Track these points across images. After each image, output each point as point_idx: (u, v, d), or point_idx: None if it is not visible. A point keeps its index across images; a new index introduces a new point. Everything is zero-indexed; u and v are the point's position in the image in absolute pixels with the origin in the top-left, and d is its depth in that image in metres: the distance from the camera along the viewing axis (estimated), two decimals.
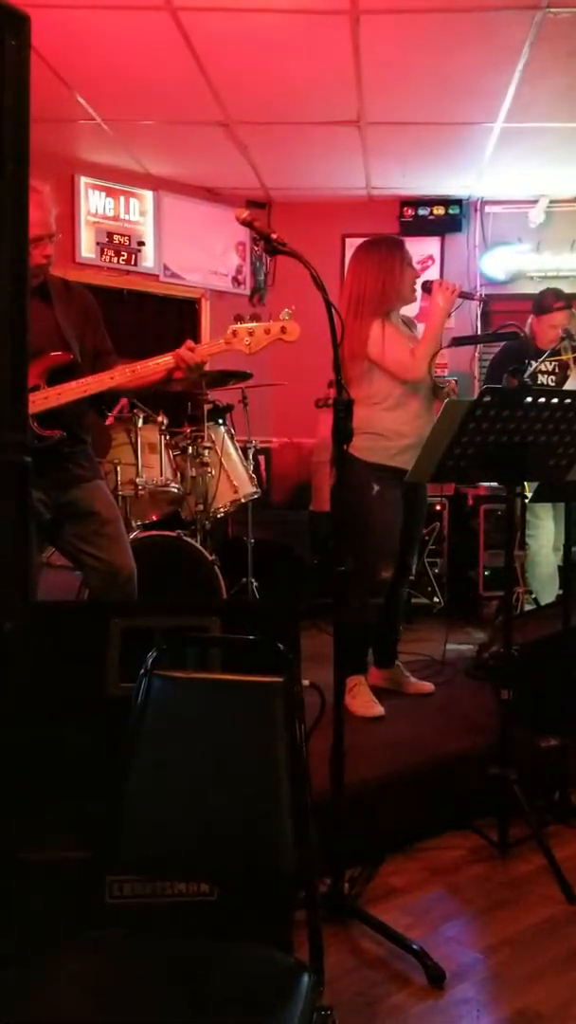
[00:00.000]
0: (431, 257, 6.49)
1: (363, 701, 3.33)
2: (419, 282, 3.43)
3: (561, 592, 4.74)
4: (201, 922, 1.92)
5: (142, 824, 1.62)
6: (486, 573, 5.41)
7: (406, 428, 3.30)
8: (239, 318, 2.79)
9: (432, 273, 6.45)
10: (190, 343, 2.82)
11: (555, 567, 4.65)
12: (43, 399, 2.74)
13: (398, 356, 3.27)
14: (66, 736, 1.89)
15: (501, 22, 3.84)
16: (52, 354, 2.80)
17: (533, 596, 4.64)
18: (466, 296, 3.38)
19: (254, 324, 2.77)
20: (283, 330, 2.73)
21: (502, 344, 4.88)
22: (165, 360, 2.80)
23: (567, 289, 6.16)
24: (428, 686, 3.69)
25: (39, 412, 2.73)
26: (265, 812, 1.60)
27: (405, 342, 3.32)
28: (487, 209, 6.41)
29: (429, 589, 5.41)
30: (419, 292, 3.45)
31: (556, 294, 4.70)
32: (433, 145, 5.35)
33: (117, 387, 2.85)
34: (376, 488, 3.24)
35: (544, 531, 4.62)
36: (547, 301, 4.66)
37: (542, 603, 4.45)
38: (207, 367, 3.07)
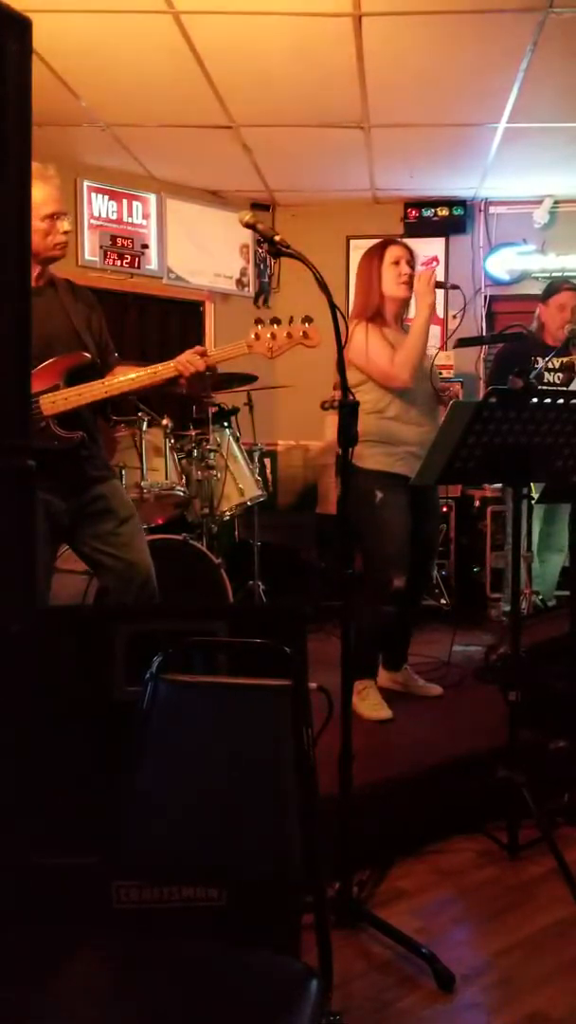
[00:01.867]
0: (435, 258, 6.48)
1: (372, 704, 3.32)
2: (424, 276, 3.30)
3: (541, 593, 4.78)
4: (209, 927, 1.91)
5: (149, 829, 1.62)
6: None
7: (408, 435, 3.26)
8: (260, 322, 2.76)
9: (437, 273, 6.44)
10: (200, 349, 2.80)
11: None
12: (63, 400, 2.73)
13: (378, 364, 3.23)
14: (72, 740, 1.89)
15: (504, 23, 3.84)
16: (73, 354, 2.79)
17: (540, 597, 4.63)
18: (440, 286, 3.30)
19: (276, 327, 2.73)
20: (305, 335, 2.71)
21: (503, 346, 4.87)
22: (166, 368, 2.79)
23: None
24: (437, 688, 3.68)
25: (59, 413, 2.72)
26: (273, 816, 1.59)
27: (385, 349, 3.25)
28: (491, 210, 6.41)
29: (436, 591, 5.39)
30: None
31: (565, 279, 4.66)
32: (437, 146, 5.35)
33: (131, 391, 2.85)
34: (380, 495, 3.21)
35: (535, 532, 4.62)
36: (555, 284, 4.61)
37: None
38: (219, 369, 3.06)
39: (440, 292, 6.40)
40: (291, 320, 2.73)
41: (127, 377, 2.82)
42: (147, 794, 1.60)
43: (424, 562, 3.47)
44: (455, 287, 3.44)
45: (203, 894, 1.90)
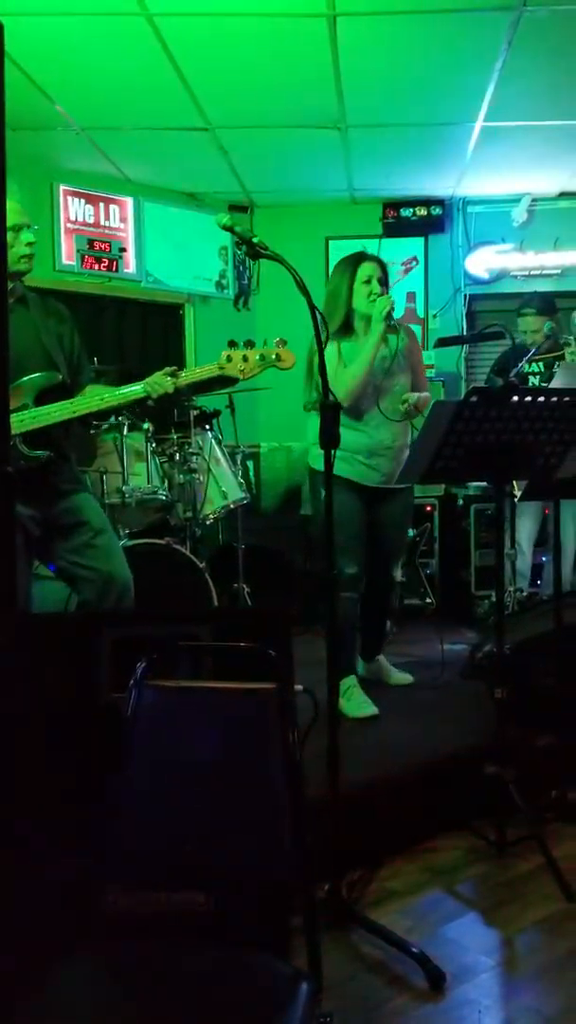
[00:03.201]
0: (415, 258, 6.50)
1: (357, 703, 3.35)
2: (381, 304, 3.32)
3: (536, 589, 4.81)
4: (199, 931, 1.90)
5: (138, 834, 1.61)
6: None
7: (357, 443, 3.33)
8: (233, 344, 2.79)
9: (417, 273, 6.48)
10: (170, 369, 2.83)
11: (529, 565, 4.75)
12: (31, 419, 2.76)
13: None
14: (59, 747, 1.88)
15: (479, 22, 3.85)
16: (42, 375, 2.80)
17: (524, 594, 4.66)
18: (390, 323, 3.30)
19: (248, 350, 2.77)
20: (278, 357, 2.74)
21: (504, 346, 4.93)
22: (134, 391, 2.83)
23: (550, 288, 6.23)
24: (408, 677, 3.82)
25: (26, 431, 2.73)
26: (261, 819, 1.59)
27: (330, 368, 3.26)
28: (470, 209, 6.43)
29: (421, 590, 5.40)
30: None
31: (528, 300, 4.70)
32: (414, 146, 5.35)
33: (99, 411, 2.89)
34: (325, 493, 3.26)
35: (524, 529, 4.65)
36: (520, 305, 4.70)
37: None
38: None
39: (420, 292, 6.47)
40: (264, 343, 2.78)
41: (96, 399, 2.84)
42: (134, 800, 1.59)
43: (385, 565, 3.60)
44: (403, 327, 3.46)
45: (193, 899, 1.89)
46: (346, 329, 3.39)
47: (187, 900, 1.87)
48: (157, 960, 1.42)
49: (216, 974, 1.40)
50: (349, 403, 3.31)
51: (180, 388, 2.84)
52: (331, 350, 3.31)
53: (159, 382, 2.81)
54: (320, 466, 3.25)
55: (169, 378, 2.81)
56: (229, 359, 2.77)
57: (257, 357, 2.76)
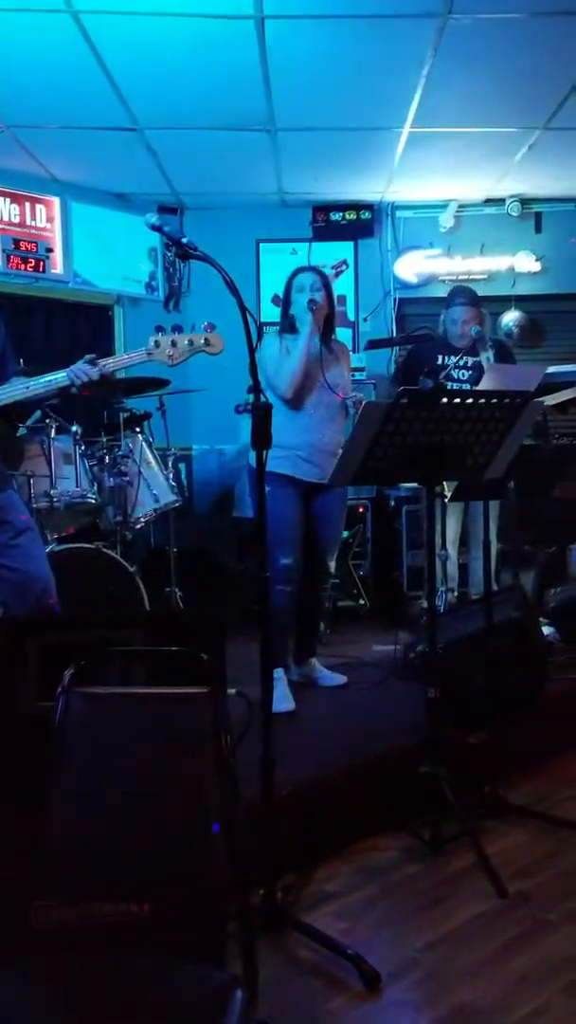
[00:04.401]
0: (344, 262, 6.54)
1: (276, 696, 3.33)
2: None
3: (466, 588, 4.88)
4: (133, 942, 1.87)
5: (67, 844, 1.58)
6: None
7: (293, 439, 3.47)
8: (160, 329, 2.77)
9: (347, 277, 6.52)
10: (91, 357, 2.79)
11: (456, 564, 4.81)
12: None
13: (266, 370, 3.47)
14: None
15: (405, 28, 3.89)
16: None
17: (455, 593, 4.72)
18: (309, 307, 3.52)
19: (176, 335, 2.76)
20: (207, 342, 2.74)
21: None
22: (58, 380, 2.78)
23: (478, 292, 6.32)
24: (341, 678, 3.86)
25: None
26: (194, 826, 1.57)
27: (276, 359, 3.51)
28: (398, 214, 6.50)
29: (355, 591, 5.43)
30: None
31: (461, 291, 4.80)
32: (343, 150, 5.38)
33: (24, 400, 2.83)
34: (266, 489, 3.29)
35: (449, 529, 4.71)
36: (450, 296, 4.79)
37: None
38: (121, 374, 3.05)
39: (350, 296, 6.51)
40: (192, 327, 2.79)
41: (19, 387, 2.77)
42: (64, 809, 1.56)
43: (321, 558, 3.70)
44: (337, 342, 3.71)
45: (125, 908, 1.86)
46: (291, 330, 3.61)
47: (120, 910, 1.84)
48: (87, 973, 1.39)
49: (148, 985, 1.37)
50: (290, 394, 3.49)
51: (106, 375, 2.79)
52: (275, 343, 3.57)
53: (83, 369, 2.77)
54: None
55: (91, 366, 2.77)
56: (157, 344, 2.76)
57: (186, 342, 2.75)
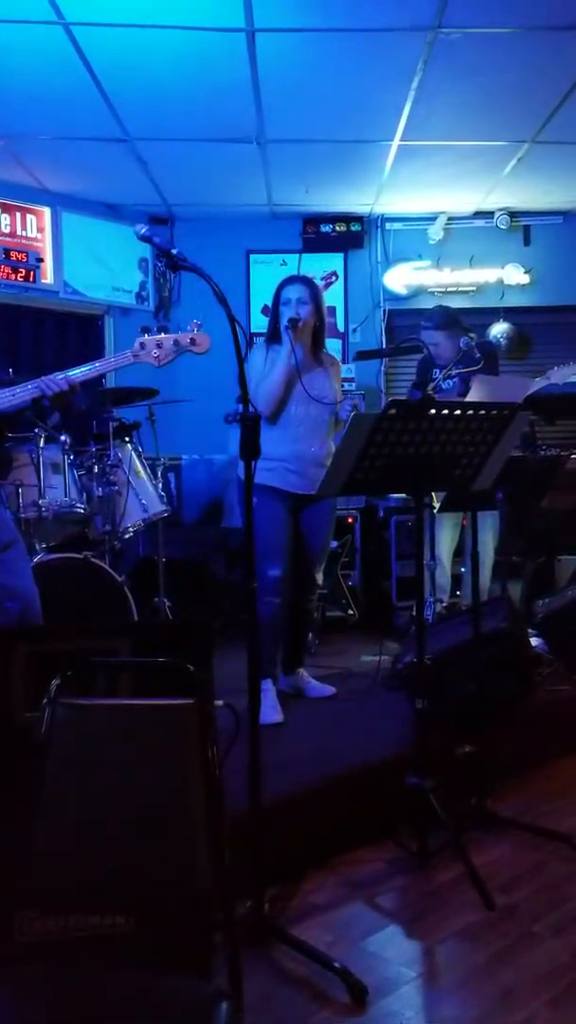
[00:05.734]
0: (335, 273, 6.57)
1: (264, 707, 3.32)
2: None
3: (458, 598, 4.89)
4: (117, 954, 1.86)
5: (52, 856, 1.57)
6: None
7: (280, 451, 3.46)
8: (146, 330, 2.76)
9: (337, 288, 6.54)
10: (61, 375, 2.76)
11: (449, 576, 4.82)
12: None
13: (250, 383, 3.37)
14: None
15: (395, 41, 3.92)
16: None
17: (444, 604, 4.72)
18: (293, 324, 3.48)
19: (162, 335, 2.75)
20: (192, 341, 2.72)
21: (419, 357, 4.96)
22: (30, 392, 2.74)
23: (466, 304, 6.38)
24: (329, 689, 3.84)
25: None
26: (180, 838, 1.56)
27: (258, 371, 3.48)
28: (388, 226, 6.54)
29: (344, 601, 5.43)
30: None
31: (429, 314, 4.71)
32: (333, 162, 5.41)
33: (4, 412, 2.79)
34: (254, 499, 3.30)
35: (442, 542, 4.72)
36: (422, 320, 4.73)
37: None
38: (111, 382, 3.03)
39: (340, 307, 6.54)
40: (179, 328, 2.78)
41: (5, 396, 2.76)
42: (49, 821, 1.55)
43: (309, 570, 3.69)
44: (328, 355, 3.69)
45: (110, 920, 1.85)
46: (278, 340, 3.58)
47: (104, 921, 1.83)
48: (71, 987, 1.38)
49: (133, 999, 1.36)
50: (267, 411, 3.46)
51: (74, 385, 2.74)
52: (261, 354, 3.55)
53: (53, 380, 2.72)
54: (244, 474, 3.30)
55: (62, 377, 2.73)
56: (143, 346, 2.75)
57: (171, 342, 2.74)
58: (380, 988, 2.07)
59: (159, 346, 2.73)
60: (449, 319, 4.60)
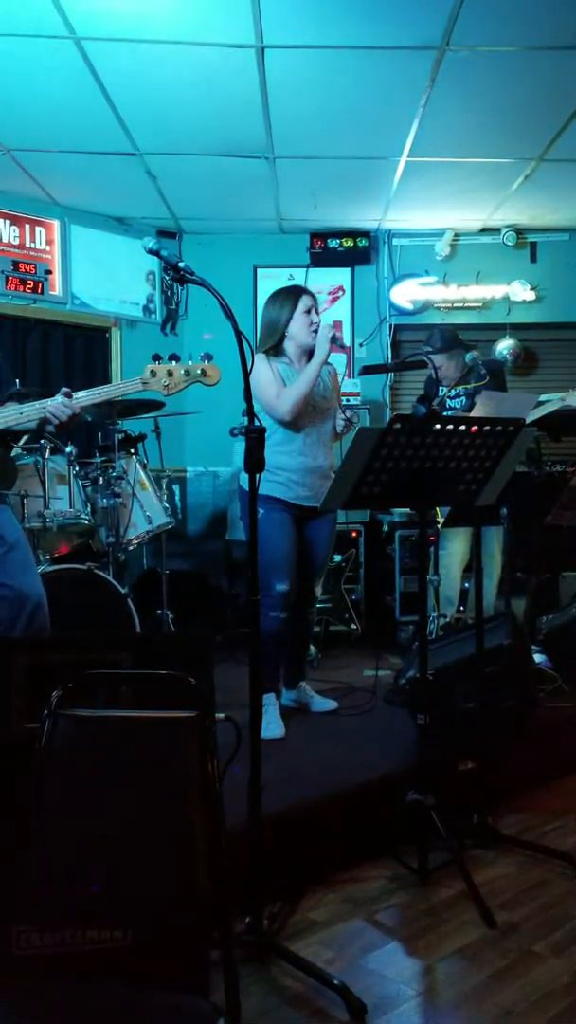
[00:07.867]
0: (341, 288, 6.59)
1: (265, 722, 3.31)
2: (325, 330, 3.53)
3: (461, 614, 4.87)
4: (115, 969, 1.85)
5: (49, 869, 1.56)
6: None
7: (289, 463, 3.50)
8: (157, 358, 2.76)
9: (343, 303, 6.56)
10: (67, 391, 2.76)
11: (458, 590, 4.78)
12: None
13: (263, 395, 3.45)
14: None
15: (403, 59, 3.94)
16: None
17: (448, 619, 4.71)
18: (335, 342, 3.51)
19: (173, 364, 2.74)
20: (203, 373, 2.73)
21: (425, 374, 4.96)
22: (37, 412, 2.75)
23: (472, 320, 6.40)
24: (331, 703, 3.84)
25: None
26: (179, 852, 1.56)
27: (272, 384, 3.47)
28: (395, 241, 6.56)
29: (347, 616, 5.42)
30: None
31: (428, 337, 4.72)
32: (341, 178, 5.43)
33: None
34: (260, 512, 3.30)
35: (453, 555, 4.70)
36: (423, 343, 4.73)
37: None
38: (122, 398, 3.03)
39: (346, 322, 6.56)
40: (190, 357, 2.78)
41: (12, 412, 2.77)
42: (47, 834, 1.54)
43: (308, 581, 3.69)
44: (345, 348, 3.63)
45: (108, 935, 1.84)
46: (276, 352, 3.59)
47: (102, 936, 1.82)
48: (67, 1003, 1.37)
49: (131, 1015, 1.35)
50: (290, 417, 3.47)
51: (76, 415, 2.74)
52: (266, 365, 3.50)
53: (61, 406, 2.71)
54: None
55: (70, 402, 2.72)
56: (153, 374, 2.75)
57: (182, 372, 2.74)
58: (379, 1006, 2.05)
59: (169, 375, 2.74)
60: (448, 341, 4.61)
